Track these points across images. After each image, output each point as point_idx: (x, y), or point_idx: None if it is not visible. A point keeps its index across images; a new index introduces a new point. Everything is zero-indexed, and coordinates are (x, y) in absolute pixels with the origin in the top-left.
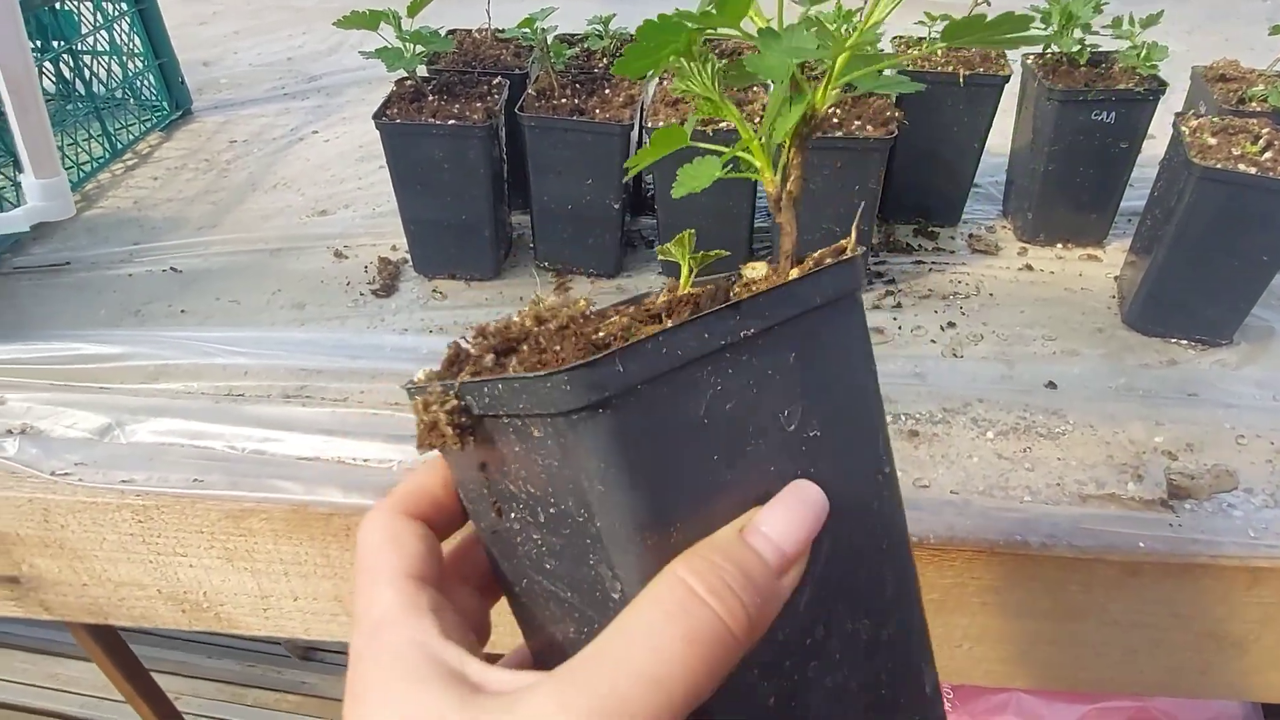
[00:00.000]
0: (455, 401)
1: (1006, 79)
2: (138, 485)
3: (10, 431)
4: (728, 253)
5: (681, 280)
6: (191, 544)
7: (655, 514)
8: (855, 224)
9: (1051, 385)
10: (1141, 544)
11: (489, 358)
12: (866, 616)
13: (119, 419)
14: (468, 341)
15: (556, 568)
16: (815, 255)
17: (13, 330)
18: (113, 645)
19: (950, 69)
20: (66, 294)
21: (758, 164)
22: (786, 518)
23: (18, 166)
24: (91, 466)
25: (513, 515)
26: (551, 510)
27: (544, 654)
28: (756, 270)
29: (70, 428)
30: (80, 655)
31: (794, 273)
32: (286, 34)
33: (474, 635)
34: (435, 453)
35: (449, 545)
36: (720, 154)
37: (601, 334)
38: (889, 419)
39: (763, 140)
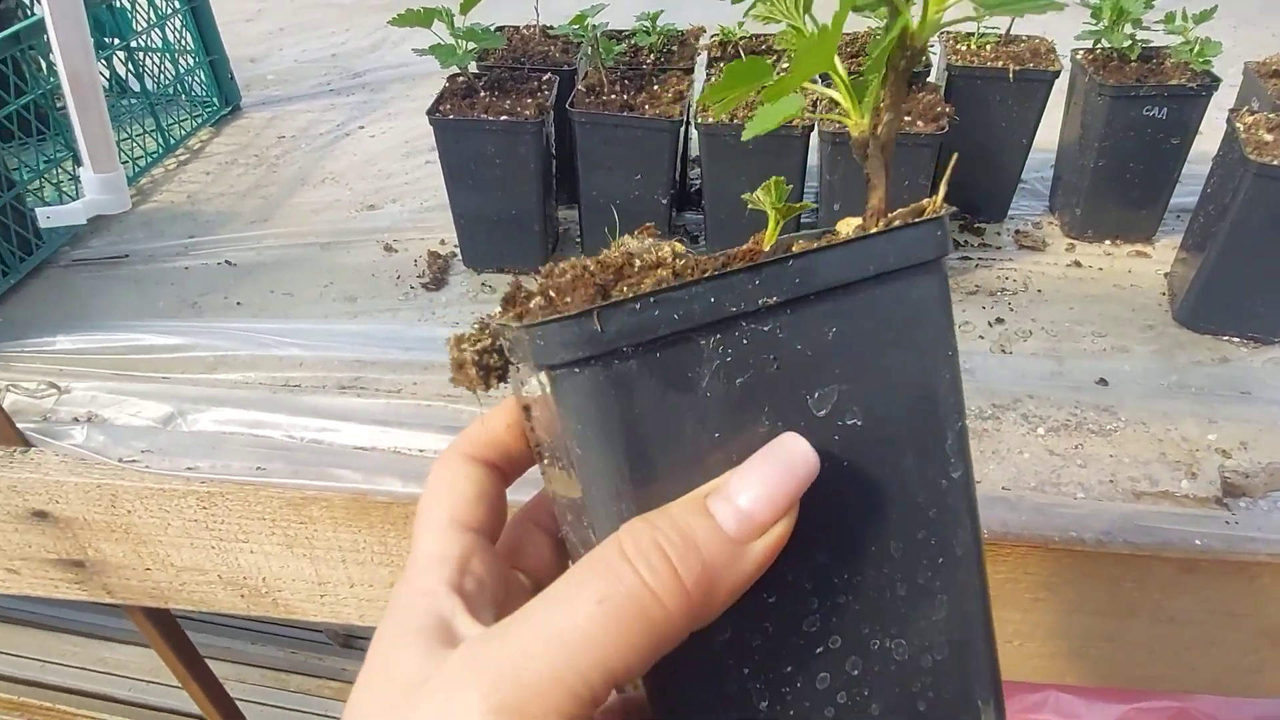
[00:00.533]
0: (488, 341)
1: (1056, 74)
2: (202, 472)
3: (77, 419)
4: (815, 204)
5: (768, 230)
6: (253, 530)
7: (634, 484)
8: (945, 178)
9: (1103, 382)
10: (1198, 541)
11: (538, 300)
12: (903, 636)
13: (181, 408)
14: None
15: (572, 523)
16: (895, 214)
17: (75, 321)
18: (169, 629)
19: (1000, 64)
20: (125, 286)
21: (843, 101)
22: (758, 477)
23: (77, 161)
24: (157, 454)
25: (545, 462)
26: (559, 465)
27: None
28: (847, 226)
29: (134, 416)
30: (128, 640)
31: (880, 223)
32: (329, 31)
33: (520, 584)
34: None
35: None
36: (802, 92)
37: (624, 288)
38: None
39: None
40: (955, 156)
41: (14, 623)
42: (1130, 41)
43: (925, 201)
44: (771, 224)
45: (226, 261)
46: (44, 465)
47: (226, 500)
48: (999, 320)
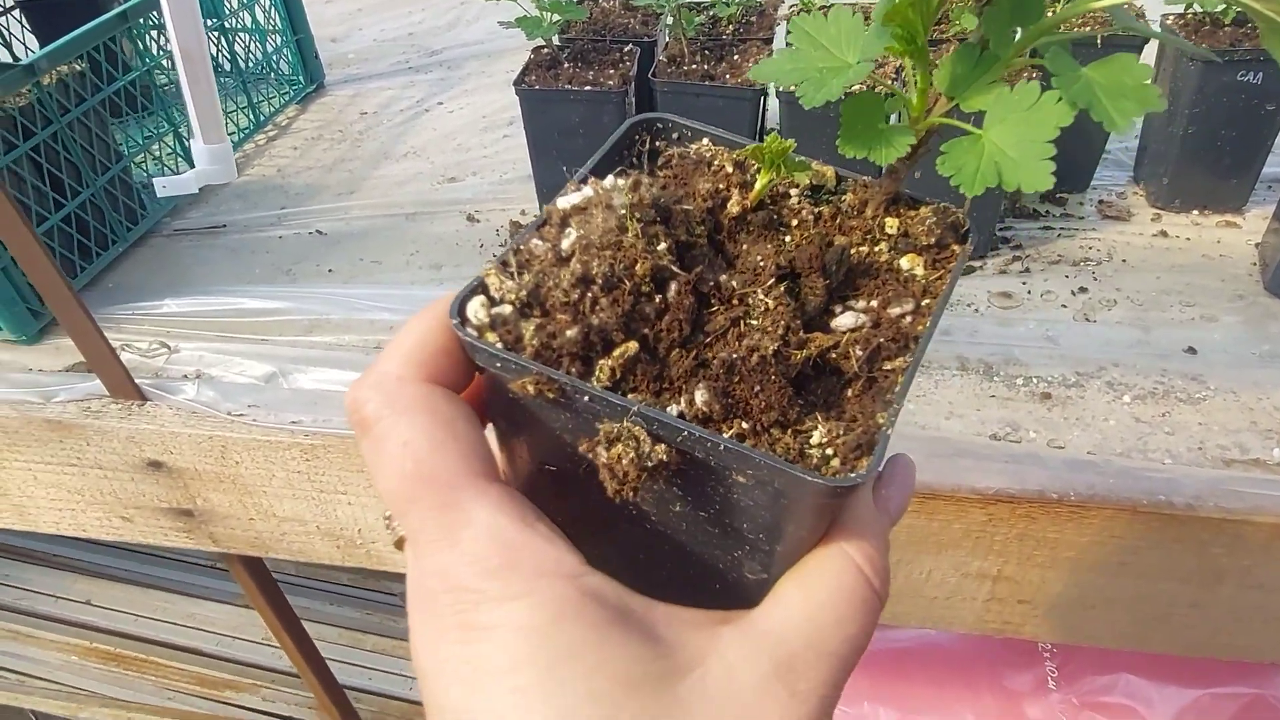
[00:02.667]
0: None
1: (1145, 41)
2: (305, 426)
3: (187, 376)
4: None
5: (757, 187)
6: (352, 483)
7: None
8: (968, 202)
9: (1191, 351)
10: None
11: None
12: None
13: (282, 368)
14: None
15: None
16: (954, 217)
17: (179, 286)
18: (265, 583)
19: (1087, 29)
20: (224, 254)
21: (912, 112)
22: (902, 496)
23: (178, 136)
24: (263, 409)
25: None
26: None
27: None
28: (825, 170)
29: (239, 374)
30: (215, 597)
31: (921, 237)
32: (406, 10)
33: None
34: (434, 301)
35: None
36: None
37: (802, 354)
38: (1019, 381)
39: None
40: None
41: (110, 579)
42: (1224, 5)
43: (957, 214)
44: (762, 179)
45: (317, 231)
46: (159, 418)
47: (328, 453)
48: (1082, 289)
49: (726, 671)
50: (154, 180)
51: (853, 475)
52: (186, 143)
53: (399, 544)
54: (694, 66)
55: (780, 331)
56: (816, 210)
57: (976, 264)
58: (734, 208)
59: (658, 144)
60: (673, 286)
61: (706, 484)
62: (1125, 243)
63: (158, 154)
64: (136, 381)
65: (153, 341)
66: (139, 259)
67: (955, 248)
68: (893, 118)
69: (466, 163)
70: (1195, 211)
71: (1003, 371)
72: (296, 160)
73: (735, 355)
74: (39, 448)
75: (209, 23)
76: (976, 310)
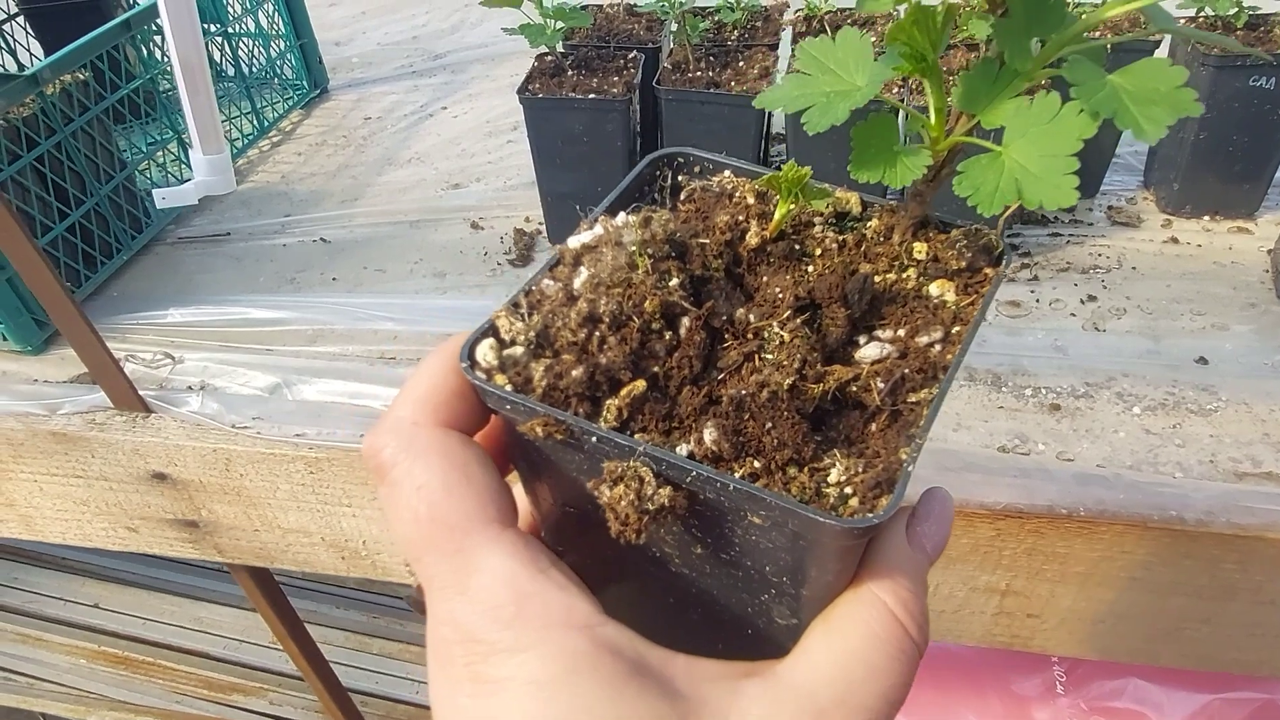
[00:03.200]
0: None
1: (1157, 44)
2: (310, 439)
3: (191, 388)
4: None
5: (776, 217)
6: (356, 495)
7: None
8: (1003, 219)
9: (1202, 361)
10: None
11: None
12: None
13: (286, 378)
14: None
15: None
16: (985, 239)
17: (183, 295)
18: (270, 590)
19: (1097, 34)
20: (228, 262)
21: (931, 132)
22: (940, 532)
23: (182, 144)
24: (268, 421)
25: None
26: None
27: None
28: (849, 196)
29: (243, 385)
30: (223, 601)
31: (953, 260)
32: (410, 13)
33: None
34: (449, 343)
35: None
36: (899, 115)
37: (820, 387)
38: (1027, 392)
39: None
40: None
41: (118, 582)
42: (1236, 9)
43: (990, 236)
44: (781, 209)
45: (321, 239)
46: (164, 430)
47: (333, 465)
48: (1091, 298)
49: None
50: (154, 191)
51: (870, 516)
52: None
53: (419, 591)
54: (699, 73)
55: (796, 365)
56: (840, 239)
57: None
58: (753, 239)
59: (679, 179)
60: (684, 322)
61: (723, 525)
62: (1135, 250)
63: (161, 161)
64: (141, 393)
65: (157, 352)
66: (143, 267)
67: (988, 271)
68: (909, 140)
69: (470, 169)
70: (1206, 218)
71: (1011, 382)
72: (300, 166)
73: (745, 392)
74: (45, 459)
75: (212, 28)
76: (985, 319)
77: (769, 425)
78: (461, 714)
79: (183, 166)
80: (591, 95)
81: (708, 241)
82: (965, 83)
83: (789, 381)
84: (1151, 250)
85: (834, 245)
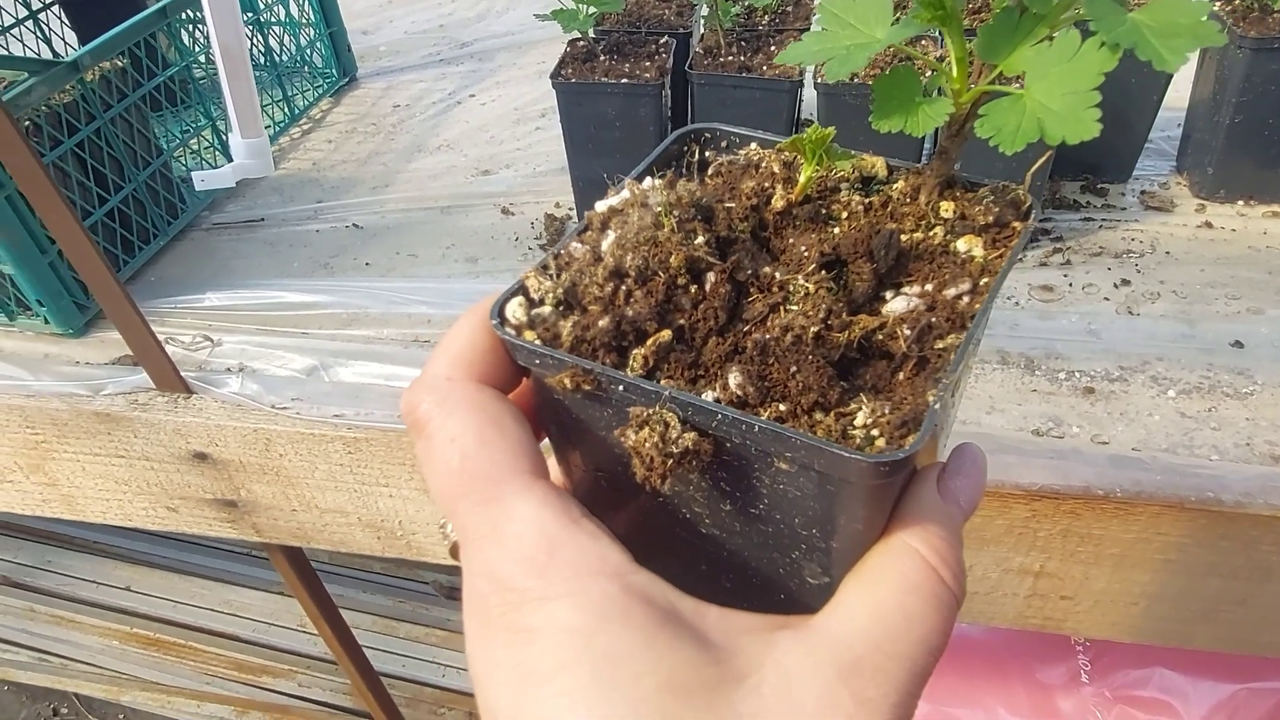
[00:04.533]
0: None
1: None
2: (348, 420)
3: (230, 370)
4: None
5: (801, 181)
6: (393, 475)
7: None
8: (1029, 174)
9: (1237, 345)
10: None
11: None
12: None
13: (323, 360)
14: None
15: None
16: (1014, 194)
17: (220, 280)
18: (304, 571)
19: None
20: (262, 248)
21: (953, 84)
22: (973, 486)
23: (216, 130)
24: (306, 402)
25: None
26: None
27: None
28: (876, 163)
29: (281, 367)
30: (252, 585)
31: (939, 223)
32: (436, 1)
33: None
34: (481, 303)
35: None
36: (918, 67)
37: (845, 336)
38: (1061, 375)
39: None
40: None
41: (150, 566)
42: None
43: (1019, 192)
44: (806, 171)
45: (353, 225)
46: (205, 410)
47: (371, 446)
48: (1125, 282)
49: (784, 679)
50: (192, 174)
51: (897, 452)
52: (224, 136)
53: (453, 551)
54: (730, 58)
55: (820, 314)
56: (867, 201)
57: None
58: (778, 202)
59: (707, 154)
60: (709, 277)
61: (751, 475)
62: (1169, 234)
63: (196, 148)
64: (181, 374)
65: (195, 334)
66: (179, 253)
67: (1016, 225)
68: (934, 93)
69: (500, 155)
70: (1241, 202)
71: (1044, 365)
72: (331, 154)
73: (769, 336)
74: (88, 439)
75: (245, 17)
76: (1017, 303)
77: (794, 369)
78: (498, 666)
79: (217, 153)
80: (624, 80)
81: (733, 205)
82: (985, 33)
83: (814, 329)
84: (1185, 235)
85: (860, 207)
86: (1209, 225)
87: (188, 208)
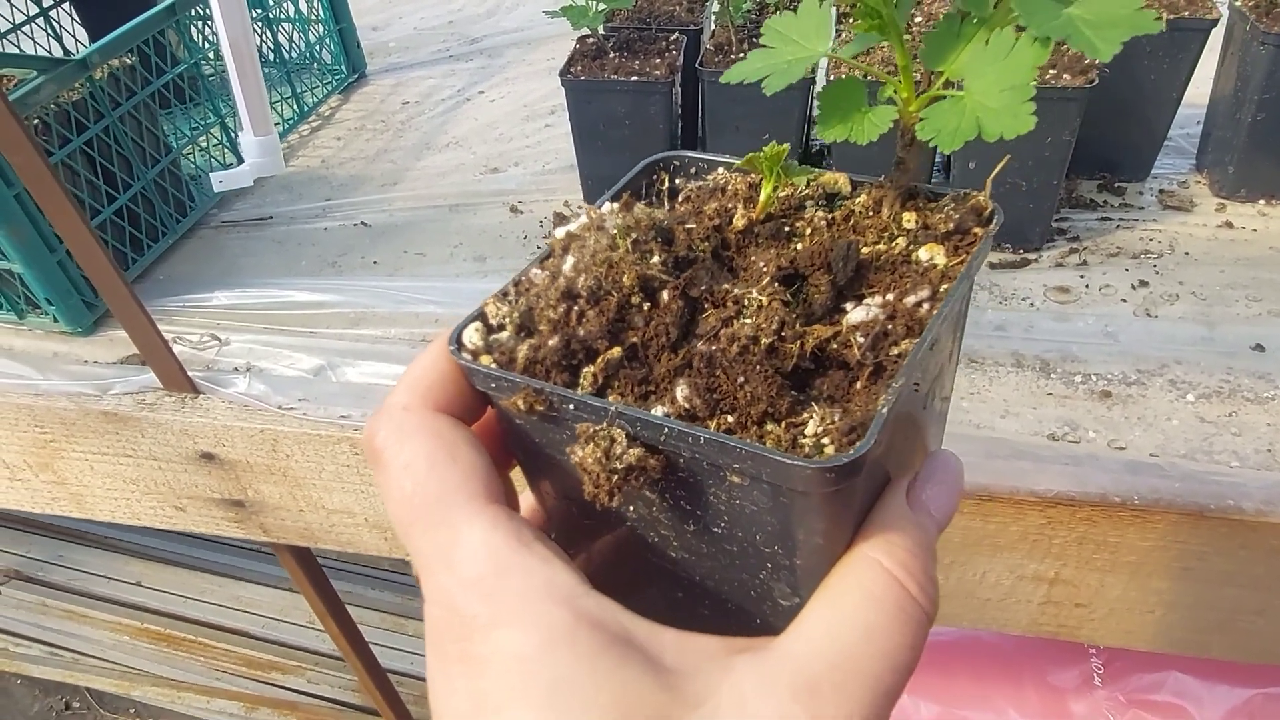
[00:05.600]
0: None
1: (1214, 23)
2: (354, 420)
3: (237, 369)
4: (813, 168)
5: (763, 197)
6: None
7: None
8: (991, 177)
9: (1259, 348)
10: None
11: (587, 299)
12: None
13: (330, 361)
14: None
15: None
16: (974, 200)
17: (229, 278)
18: (312, 570)
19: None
20: (270, 246)
21: (902, 94)
22: (946, 494)
23: (226, 128)
24: (313, 402)
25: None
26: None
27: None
28: (839, 178)
29: (288, 367)
30: (261, 581)
31: (941, 223)
32: None
33: None
34: (442, 333)
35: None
36: (872, 84)
37: (798, 346)
38: (1077, 379)
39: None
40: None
41: (161, 561)
42: None
43: (979, 198)
44: (766, 188)
45: (362, 223)
46: (212, 411)
47: None
48: (1142, 283)
49: (739, 704)
50: (211, 175)
51: (840, 456)
52: (234, 134)
53: (417, 580)
54: (741, 55)
55: (773, 326)
56: (830, 216)
57: (1032, 257)
58: (739, 221)
59: (677, 181)
60: (664, 294)
61: (707, 491)
62: (1188, 234)
63: (205, 146)
64: (189, 373)
65: (203, 334)
66: (188, 251)
67: (977, 231)
68: (885, 103)
69: (508, 153)
70: (1262, 201)
71: (1060, 369)
72: (340, 151)
73: (716, 348)
74: (96, 438)
75: (253, 14)
76: (1032, 305)
77: (741, 380)
78: (453, 695)
79: (225, 150)
80: (634, 78)
81: (694, 226)
82: (930, 41)
83: (766, 340)
84: (1205, 235)
85: (822, 223)
86: (1229, 225)
87: (196, 205)
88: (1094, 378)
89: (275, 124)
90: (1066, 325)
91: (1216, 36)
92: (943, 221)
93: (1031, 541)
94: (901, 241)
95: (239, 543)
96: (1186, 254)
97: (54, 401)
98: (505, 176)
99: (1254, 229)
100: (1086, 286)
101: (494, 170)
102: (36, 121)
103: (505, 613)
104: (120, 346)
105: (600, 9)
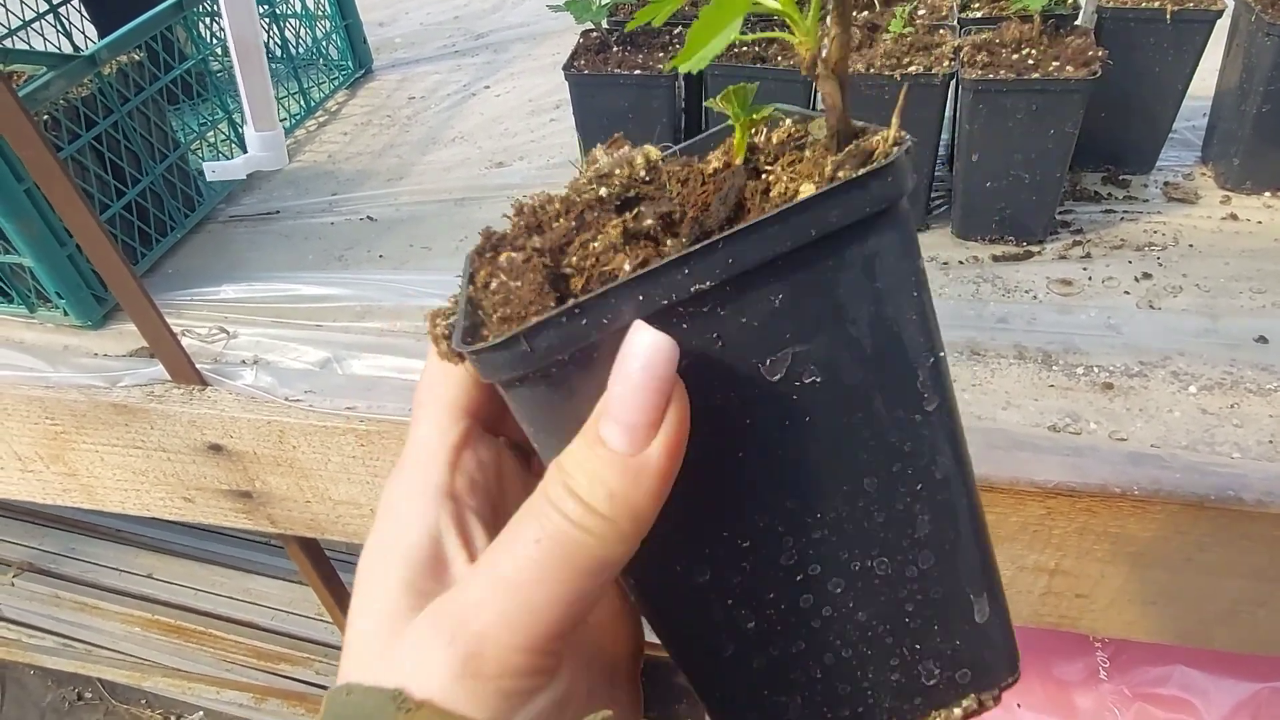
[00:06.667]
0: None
1: (1219, 14)
2: (360, 412)
3: (245, 362)
4: (779, 111)
5: (736, 140)
6: None
7: None
8: (898, 108)
9: (1262, 340)
10: None
11: (507, 257)
12: (885, 555)
13: (336, 353)
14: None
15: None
16: (843, 155)
17: (236, 272)
18: (319, 561)
19: (1156, 4)
20: (277, 240)
21: (787, 12)
22: (622, 386)
23: (232, 123)
24: (320, 394)
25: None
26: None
27: None
28: (819, 129)
29: (295, 360)
30: (271, 573)
31: (826, 168)
32: None
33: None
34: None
35: None
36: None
37: (575, 260)
38: (1079, 370)
39: None
40: (903, 90)
41: (170, 554)
42: None
43: (876, 139)
44: (738, 134)
45: (368, 217)
46: (220, 403)
47: (383, 438)
48: (1146, 275)
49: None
50: (204, 165)
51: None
52: (241, 129)
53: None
54: (744, 49)
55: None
56: (790, 158)
57: (1035, 249)
58: (713, 165)
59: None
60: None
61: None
62: (1192, 226)
63: (213, 141)
64: (197, 366)
65: (211, 327)
66: (196, 245)
67: (841, 174)
68: None
69: (514, 147)
70: (1268, 193)
71: (1062, 360)
72: (346, 146)
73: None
74: (106, 430)
75: (260, 9)
76: (1035, 297)
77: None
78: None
79: (233, 146)
80: (637, 72)
81: (674, 169)
82: None
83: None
84: (1209, 227)
85: (781, 168)
86: (1234, 217)
87: (204, 200)
88: (1096, 369)
89: (282, 119)
90: (1069, 317)
91: (1221, 28)
92: (841, 162)
93: (1032, 532)
94: (809, 184)
95: (248, 536)
96: (1191, 246)
97: (64, 394)
98: (510, 171)
99: (1259, 221)
100: (1090, 279)
101: (499, 165)
102: (46, 117)
103: (385, 495)
104: (129, 339)
105: (603, 3)
